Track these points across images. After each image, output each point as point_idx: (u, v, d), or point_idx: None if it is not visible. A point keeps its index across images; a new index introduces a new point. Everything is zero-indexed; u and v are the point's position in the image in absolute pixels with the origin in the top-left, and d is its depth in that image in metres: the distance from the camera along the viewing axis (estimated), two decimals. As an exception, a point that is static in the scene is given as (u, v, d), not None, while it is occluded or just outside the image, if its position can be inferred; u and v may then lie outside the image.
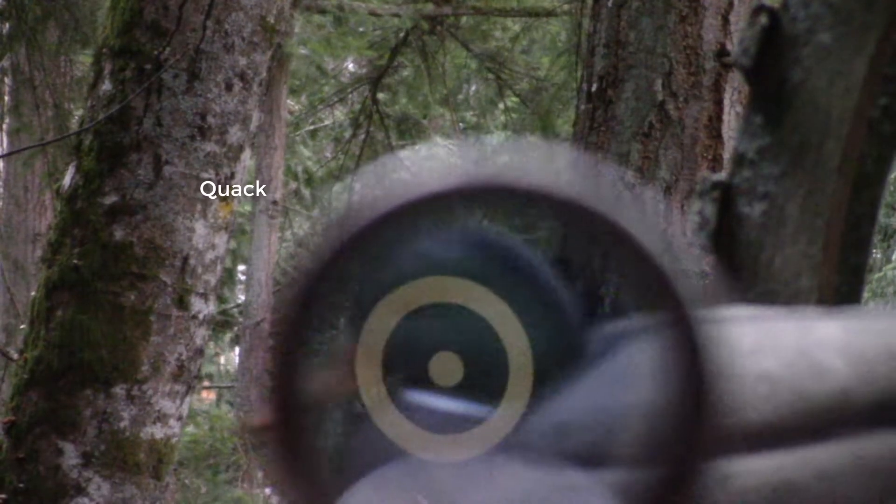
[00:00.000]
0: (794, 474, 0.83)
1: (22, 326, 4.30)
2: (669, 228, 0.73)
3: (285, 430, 0.71)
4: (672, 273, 0.70)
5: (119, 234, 3.58)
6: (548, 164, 0.72)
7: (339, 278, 0.70)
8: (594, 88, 2.90)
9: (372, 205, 0.70)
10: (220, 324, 11.11)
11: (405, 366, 0.87)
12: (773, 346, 0.88)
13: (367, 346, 0.86)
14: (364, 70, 9.84)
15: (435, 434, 0.83)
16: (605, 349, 0.87)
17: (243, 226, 10.85)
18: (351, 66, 11.56)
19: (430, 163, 0.73)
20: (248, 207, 10.20)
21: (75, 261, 3.58)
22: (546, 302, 0.91)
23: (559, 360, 0.87)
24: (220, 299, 10.42)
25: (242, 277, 11.25)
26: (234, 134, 3.70)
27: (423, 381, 0.87)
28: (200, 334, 3.70)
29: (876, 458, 0.85)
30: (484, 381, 0.85)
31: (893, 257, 10.66)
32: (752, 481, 0.83)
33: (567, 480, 0.77)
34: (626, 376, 0.83)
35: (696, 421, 0.70)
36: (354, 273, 0.73)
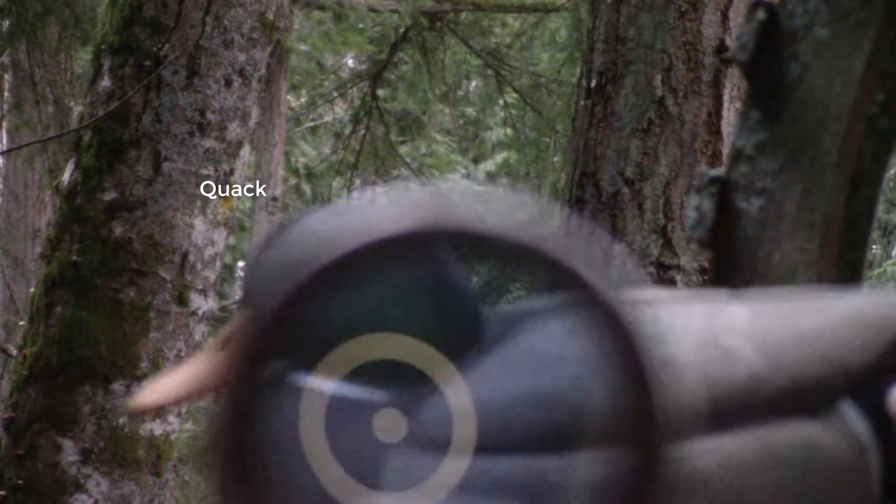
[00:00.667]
0: (701, 464, 0.81)
1: (21, 323, 4.30)
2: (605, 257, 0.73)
3: (236, 469, 0.71)
4: (582, 262, 0.70)
5: (118, 230, 3.58)
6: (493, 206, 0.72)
7: (289, 323, 0.71)
8: (593, 84, 2.90)
9: (318, 253, 0.70)
10: (220, 320, 11.11)
11: (347, 423, 0.85)
12: (681, 330, 0.86)
13: (309, 402, 0.84)
14: (364, 66, 9.84)
15: (376, 491, 0.82)
16: (503, 332, 0.85)
17: (243, 222, 10.86)
18: (350, 62, 11.56)
19: (381, 206, 0.73)
20: (248, 204, 10.21)
21: (75, 257, 3.58)
22: (439, 290, 0.89)
23: (457, 347, 0.84)
24: (221, 296, 10.42)
25: (242, 274, 11.24)
26: (234, 130, 3.70)
27: (367, 439, 0.85)
28: (200, 331, 3.70)
29: (785, 448, 0.83)
30: (429, 437, 0.83)
31: (893, 253, 10.66)
32: None
33: (535, 470, 0.76)
34: (541, 357, 0.82)
35: (650, 402, 0.69)
36: (303, 319, 0.73)
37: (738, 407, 0.83)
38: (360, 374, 0.84)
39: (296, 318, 0.70)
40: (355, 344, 0.84)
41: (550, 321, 0.82)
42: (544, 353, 0.81)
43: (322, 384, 0.84)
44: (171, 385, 0.98)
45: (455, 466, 0.80)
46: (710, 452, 0.82)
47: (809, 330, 0.87)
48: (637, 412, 0.70)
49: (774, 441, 0.83)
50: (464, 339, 0.85)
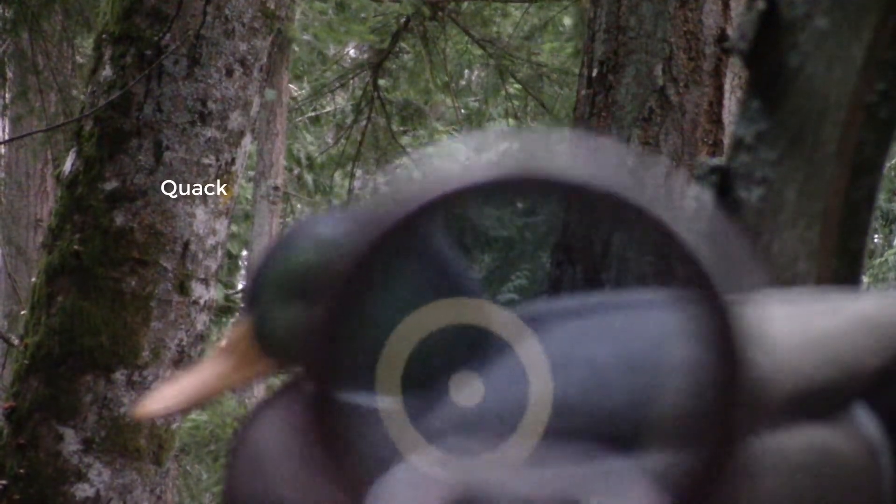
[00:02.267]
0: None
1: (23, 312, 4.30)
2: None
3: (324, 420, 0.70)
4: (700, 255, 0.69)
5: (120, 219, 3.58)
6: (579, 155, 0.71)
7: (379, 268, 0.69)
8: (594, 73, 2.90)
9: (413, 194, 0.69)
10: (224, 309, 11.12)
11: (424, 380, 0.85)
12: (687, 336, 0.85)
13: (390, 353, 0.85)
14: (365, 56, 9.83)
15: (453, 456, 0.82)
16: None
17: (248, 212, 10.86)
18: (352, 52, 11.55)
19: (470, 156, 0.72)
20: (249, 195, 10.21)
21: (76, 246, 3.58)
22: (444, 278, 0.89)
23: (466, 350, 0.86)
24: (226, 285, 10.43)
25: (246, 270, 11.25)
26: (235, 119, 3.70)
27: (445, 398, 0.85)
28: (201, 320, 3.70)
29: (795, 454, 0.83)
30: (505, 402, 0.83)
31: (895, 242, 10.66)
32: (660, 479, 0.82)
33: (604, 466, 0.76)
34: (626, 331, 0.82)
35: (730, 399, 0.69)
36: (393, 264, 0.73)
37: (746, 413, 0.83)
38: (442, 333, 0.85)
39: (388, 256, 0.69)
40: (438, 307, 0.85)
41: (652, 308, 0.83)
42: (630, 328, 0.82)
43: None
44: (179, 391, 0.98)
45: (534, 429, 0.81)
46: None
47: (821, 333, 0.87)
48: (722, 411, 0.70)
49: (783, 447, 0.83)
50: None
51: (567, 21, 8.43)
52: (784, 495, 0.83)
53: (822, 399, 0.84)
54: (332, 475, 0.70)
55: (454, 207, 0.70)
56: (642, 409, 0.80)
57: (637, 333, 0.85)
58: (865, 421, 0.85)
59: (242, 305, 1.04)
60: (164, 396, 0.98)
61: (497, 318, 0.86)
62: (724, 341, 0.69)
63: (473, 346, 0.86)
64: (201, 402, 0.98)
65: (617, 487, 0.69)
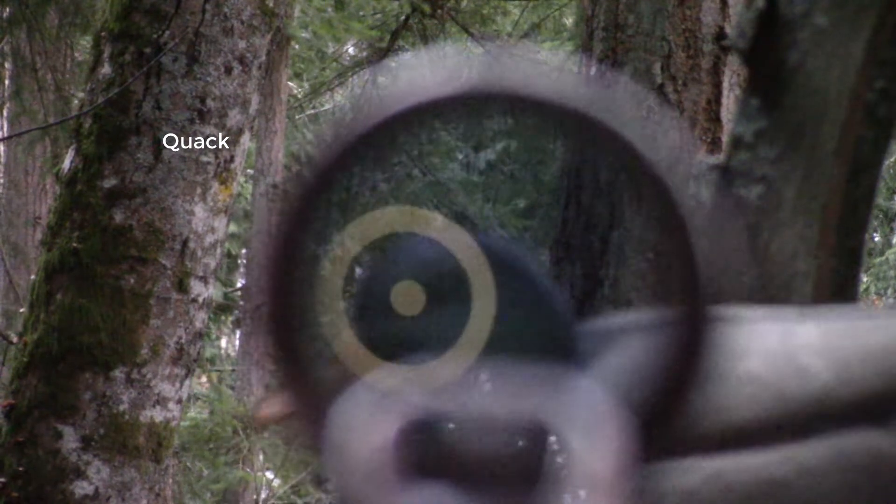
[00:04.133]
0: (779, 471, 0.87)
1: (21, 310, 4.30)
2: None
3: (282, 331, 0.70)
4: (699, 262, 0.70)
5: (119, 217, 3.58)
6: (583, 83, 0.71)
7: (342, 179, 0.69)
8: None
9: (381, 105, 0.69)
10: (222, 307, 11.11)
11: (366, 294, 0.86)
12: (759, 349, 0.91)
13: (333, 264, 0.85)
14: (365, 53, 9.83)
15: (388, 363, 0.83)
16: (596, 348, 0.88)
17: (247, 210, 10.86)
18: (351, 50, 11.55)
19: (437, 67, 0.72)
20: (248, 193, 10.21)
21: (75, 244, 3.58)
22: (534, 299, 0.91)
23: (551, 358, 0.87)
24: (224, 283, 10.43)
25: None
26: (234, 117, 3.70)
27: (386, 311, 0.86)
28: (200, 318, 3.71)
29: (855, 455, 0.88)
30: (444, 314, 0.85)
31: (895, 240, 10.66)
32: (740, 477, 0.86)
33: (567, 384, 0.77)
34: (618, 377, 0.84)
35: (667, 421, 0.71)
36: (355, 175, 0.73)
37: (810, 418, 0.88)
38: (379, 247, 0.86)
39: (340, 181, 0.69)
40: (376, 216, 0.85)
41: (638, 338, 0.85)
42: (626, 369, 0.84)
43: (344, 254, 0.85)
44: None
45: (469, 348, 0.81)
46: (787, 460, 0.87)
47: (875, 346, 0.92)
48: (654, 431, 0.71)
49: (845, 448, 0.88)
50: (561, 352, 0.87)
51: (568, 21, 8.44)
52: (843, 494, 0.88)
53: (876, 406, 0.89)
54: (294, 391, 0.70)
55: (416, 122, 0.70)
56: None
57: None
58: None
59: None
60: (279, 401, 0.99)
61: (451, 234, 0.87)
62: (685, 363, 0.71)
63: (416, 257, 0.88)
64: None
65: (580, 405, 0.70)
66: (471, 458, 0.72)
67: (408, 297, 0.85)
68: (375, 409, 0.68)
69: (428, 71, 0.72)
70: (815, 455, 0.87)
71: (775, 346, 0.92)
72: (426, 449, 0.71)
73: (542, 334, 0.88)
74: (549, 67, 0.71)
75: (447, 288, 0.85)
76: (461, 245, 0.85)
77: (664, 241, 0.71)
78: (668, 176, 0.69)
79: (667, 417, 0.71)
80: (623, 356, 0.86)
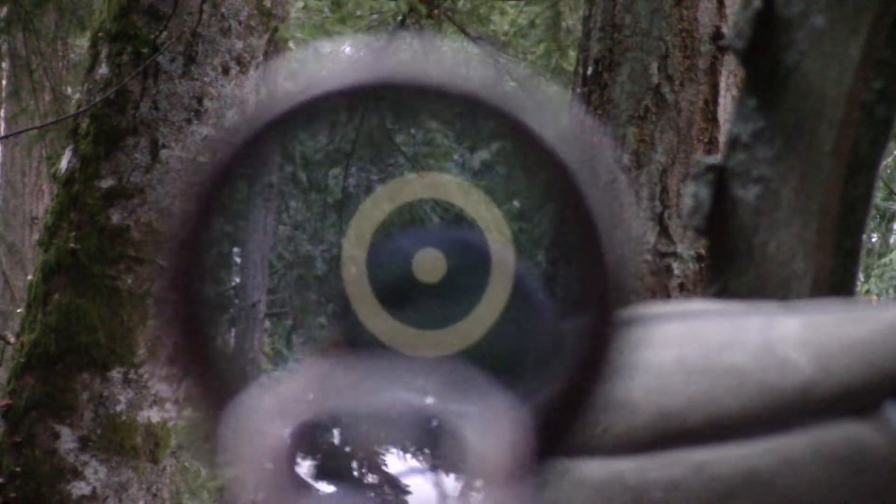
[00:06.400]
0: (761, 462, 0.88)
1: (18, 311, 4.30)
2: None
3: (189, 325, 0.70)
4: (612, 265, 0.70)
5: (116, 217, 3.58)
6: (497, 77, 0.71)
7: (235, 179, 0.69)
8: (590, 72, 2.90)
9: (264, 108, 0.69)
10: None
11: (388, 263, 0.87)
12: (742, 341, 0.92)
13: (354, 238, 0.86)
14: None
15: (417, 330, 0.84)
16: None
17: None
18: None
19: (324, 62, 0.72)
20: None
21: (72, 244, 3.58)
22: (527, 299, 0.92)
23: (539, 357, 0.87)
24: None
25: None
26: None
27: (407, 279, 0.87)
28: (197, 318, 3.70)
29: (837, 447, 0.88)
30: (465, 280, 0.86)
31: (892, 241, 10.65)
32: (723, 469, 0.87)
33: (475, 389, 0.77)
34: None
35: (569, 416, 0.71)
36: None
37: (793, 410, 0.89)
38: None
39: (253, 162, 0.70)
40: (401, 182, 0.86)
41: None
42: None
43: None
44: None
45: (486, 314, 0.82)
46: (770, 452, 0.87)
47: (857, 339, 0.92)
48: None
49: (827, 440, 0.88)
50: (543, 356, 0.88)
51: (568, 21, 8.43)
52: (825, 486, 0.89)
53: (859, 398, 0.90)
54: (197, 382, 0.70)
55: (314, 117, 0.70)
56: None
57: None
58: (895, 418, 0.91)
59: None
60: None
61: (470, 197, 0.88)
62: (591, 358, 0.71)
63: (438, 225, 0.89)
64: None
65: (474, 396, 0.70)
66: (364, 457, 0.73)
67: (431, 265, 0.86)
68: (273, 410, 0.68)
69: (321, 65, 0.72)
70: (797, 447, 0.88)
71: (758, 339, 0.92)
72: (321, 450, 0.72)
73: (524, 331, 0.88)
74: (445, 55, 0.71)
75: (468, 268, 0.86)
76: (487, 220, 0.86)
77: (567, 230, 0.71)
78: (562, 153, 0.68)
79: (571, 412, 0.71)
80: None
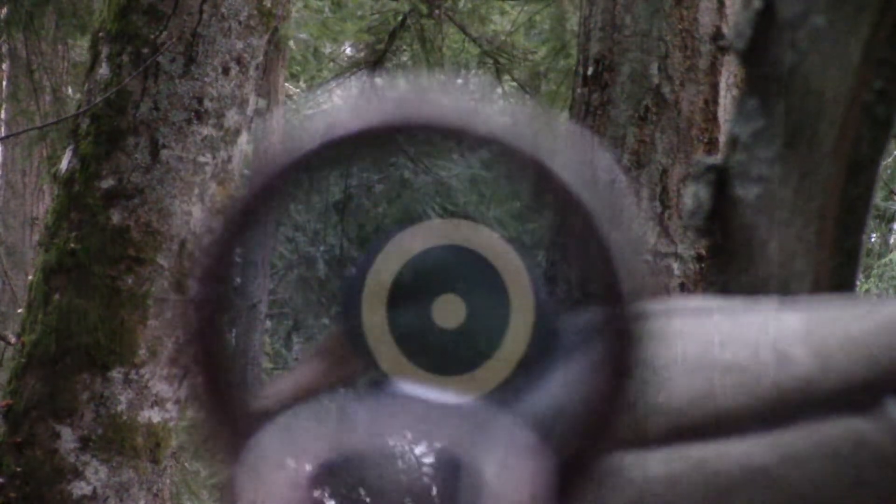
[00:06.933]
0: (762, 458, 0.88)
1: (19, 311, 4.30)
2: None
3: (210, 355, 0.71)
4: (618, 263, 0.71)
5: (116, 217, 3.58)
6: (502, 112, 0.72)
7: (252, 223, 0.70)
8: (590, 72, 2.90)
9: (281, 153, 0.70)
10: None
11: (408, 306, 0.88)
12: (742, 338, 0.93)
13: (373, 285, 0.88)
14: (362, 54, 9.82)
15: (433, 374, 0.85)
16: (579, 343, 0.89)
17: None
18: (349, 51, 11.55)
19: (342, 103, 0.72)
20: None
21: (73, 245, 3.58)
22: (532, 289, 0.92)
23: (541, 351, 0.88)
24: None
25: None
26: (231, 118, 3.70)
27: (426, 323, 0.89)
28: (198, 318, 3.70)
29: (837, 442, 0.89)
30: (484, 326, 0.87)
31: (892, 241, 10.65)
32: (724, 464, 0.87)
33: (484, 417, 0.78)
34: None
35: (604, 415, 0.71)
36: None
37: (793, 406, 0.90)
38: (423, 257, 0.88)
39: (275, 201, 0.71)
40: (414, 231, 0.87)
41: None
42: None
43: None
44: (275, 391, 1.00)
45: (501, 367, 0.84)
46: (770, 447, 0.88)
47: (857, 334, 0.93)
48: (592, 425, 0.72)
49: (827, 435, 0.89)
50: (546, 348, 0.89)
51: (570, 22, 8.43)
52: (825, 481, 0.89)
53: (859, 394, 0.91)
54: (217, 417, 0.71)
55: (329, 158, 0.71)
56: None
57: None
58: None
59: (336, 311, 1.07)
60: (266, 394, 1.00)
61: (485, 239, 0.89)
62: (618, 358, 0.71)
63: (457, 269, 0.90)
64: (297, 402, 0.99)
65: (497, 438, 0.70)
66: (386, 494, 0.73)
67: (448, 309, 0.87)
68: (289, 447, 0.69)
69: (341, 108, 0.73)
70: (798, 442, 0.88)
71: (758, 335, 0.93)
72: (340, 488, 0.72)
73: (536, 322, 0.89)
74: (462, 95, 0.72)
75: (485, 299, 0.87)
76: (502, 258, 0.87)
77: (574, 233, 0.72)
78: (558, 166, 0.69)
79: (602, 426, 0.71)
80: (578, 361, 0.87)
